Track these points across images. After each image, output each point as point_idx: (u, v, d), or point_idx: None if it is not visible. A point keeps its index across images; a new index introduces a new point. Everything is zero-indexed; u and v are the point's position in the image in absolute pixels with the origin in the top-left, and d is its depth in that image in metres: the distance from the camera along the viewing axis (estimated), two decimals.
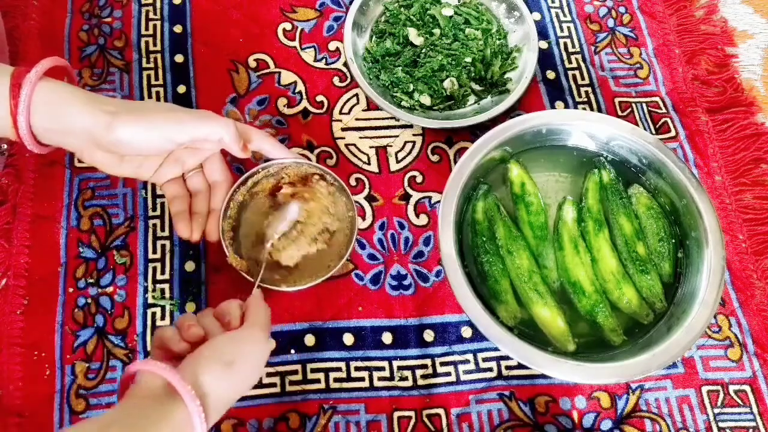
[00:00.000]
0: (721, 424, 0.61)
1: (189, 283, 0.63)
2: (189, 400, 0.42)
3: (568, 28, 0.80)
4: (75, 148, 0.52)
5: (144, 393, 0.43)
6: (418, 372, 0.62)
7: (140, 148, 0.52)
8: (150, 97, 0.71)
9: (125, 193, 0.66)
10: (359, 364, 0.62)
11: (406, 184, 0.69)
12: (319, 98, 0.73)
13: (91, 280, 0.63)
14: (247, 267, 0.59)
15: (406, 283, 0.65)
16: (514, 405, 0.61)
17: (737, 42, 0.81)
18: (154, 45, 0.74)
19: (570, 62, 0.77)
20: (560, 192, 0.66)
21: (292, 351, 0.61)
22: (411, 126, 0.72)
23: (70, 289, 0.62)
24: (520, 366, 0.62)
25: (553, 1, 0.81)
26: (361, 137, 0.71)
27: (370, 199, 0.68)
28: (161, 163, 0.57)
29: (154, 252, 0.64)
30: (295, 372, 0.61)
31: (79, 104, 0.50)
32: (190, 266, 0.64)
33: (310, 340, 0.62)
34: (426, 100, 0.71)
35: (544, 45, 0.78)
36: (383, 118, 0.72)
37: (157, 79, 0.72)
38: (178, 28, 0.75)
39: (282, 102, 0.72)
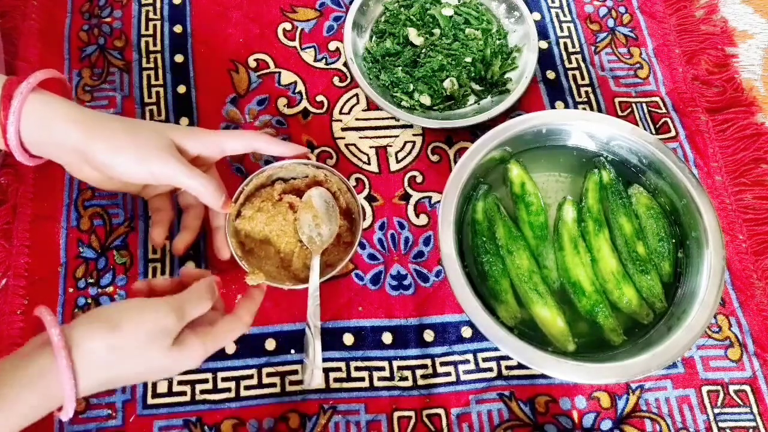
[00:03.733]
0: (721, 424, 0.61)
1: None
2: (56, 342, 0.41)
3: (568, 28, 0.80)
4: (64, 162, 0.52)
5: (25, 348, 0.42)
6: (418, 372, 0.62)
7: (122, 177, 0.52)
8: (150, 97, 0.71)
9: (125, 193, 0.66)
10: (359, 364, 0.62)
11: (406, 184, 0.69)
12: (319, 98, 0.73)
13: (91, 280, 0.63)
14: (270, 278, 0.57)
15: (406, 283, 0.65)
16: (514, 405, 0.61)
17: (737, 42, 0.81)
18: (154, 45, 0.74)
19: (570, 62, 0.77)
20: (560, 192, 0.66)
21: (292, 351, 0.61)
22: (411, 126, 0.72)
23: (70, 289, 0.62)
24: (520, 366, 0.62)
25: (553, 1, 0.81)
26: (361, 137, 0.71)
27: (370, 199, 0.68)
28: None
29: (154, 252, 0.64)
30: (295, 372, 0.61)
31: (70, 121, 0.49)
32: (190, 266, 0.64)
33: None
34: (426, 100, 0.71)
35: (544, 45, 0.78)
36: (383, 118, 0.72)
37: (157, 79, 0.72)
38: (178, 28, 0.75)
39: (282, 102, 0.72)
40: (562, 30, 0.80)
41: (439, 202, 0.65)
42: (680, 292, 0.61)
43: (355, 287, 0.64)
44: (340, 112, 0.72)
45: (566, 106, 0.74)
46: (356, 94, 0.74)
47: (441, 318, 0.64)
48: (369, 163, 0.70)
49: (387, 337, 0.63)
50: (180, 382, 0.59)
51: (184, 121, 0.70)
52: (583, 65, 0.77)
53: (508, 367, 0.62)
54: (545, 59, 0.77)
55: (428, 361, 0.62)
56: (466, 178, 0.61)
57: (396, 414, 0.60)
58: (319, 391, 0.60)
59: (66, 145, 0.50)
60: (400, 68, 0.73)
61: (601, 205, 0.64)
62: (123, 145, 0.51)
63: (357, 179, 0.69)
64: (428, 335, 0.63)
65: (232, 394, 0.60)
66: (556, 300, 0.60)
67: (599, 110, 0.75)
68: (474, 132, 0.72)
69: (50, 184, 0.66)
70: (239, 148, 0.58)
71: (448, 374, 0.62)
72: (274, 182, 0.63)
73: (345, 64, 0.75)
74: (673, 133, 0.74)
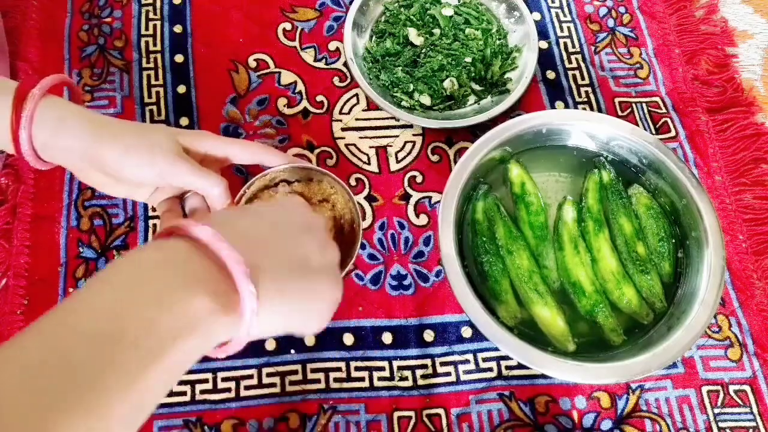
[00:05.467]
0: (721, 424, 0.61)
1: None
2: (231, 259, 0.34)
3: (568, 28, 0.80)
4: (73, 166, 0.52)
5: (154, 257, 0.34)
6: (418, 372, 0.62)
7: (132, 179, 0.52)
8: (150, 97, 0.71)
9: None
10: (359, 364, 0.62)
11: (406, 184, 0.69)
12: (319, 98, 0.73)
13: None
14: None
15: (406, 283, 0.65)
16: (514, 405, 0.61)
17: (737, 42, 0.81)
18: (154, 45, 0.74)
19: (570, 62, 0.77)
20: (560, 192, 0.66)
21: (292, 351, 0.61)
22: (411, 126, 0.72)
23: (70, 289, 0.62)
24: (520, 366, 0.62)
25: (553, 1, 0.81)
26: (361, 137, 0.71)
27: (370, 199, 0.68)
28: (156, 188, 0.56)
29: None
30: (295, 372, 0.61)
31: (80, 125, 0.49)
32: None
33: (310, 340, 0.62)
34: (426, 100, 0.71)
35: (544, 45, 0.78)
36: (383, 118, 0.72)
37: (157, 79, 0.72)
38: (178, 28, 0.75)
39: (282, 102, 0.72)
40: (562, 30, 0.80)
41: (439, 202, 0.65)
42: (680, 292, 0.61)
43: (355, 287, 0.64)
44: (340, 112, 0.72)
45: (566, 106, 0.74)
46: (356, 94, 0.74)
47: (441, 318, 0.64)
48: (369, 163, 0.70)
49: (387, 337, 0.63)
50: (180, 382, 0.59)
51: (184, 121, 0.70)
52: (583, 65, 0.77)
53: (508, 367, 0.62)
54: (545, 59, 0.77)
55: (428, 361, 0.62)
56: (466, 178, 0.61)
57: (396, 414, 0.60)
58: (319, 391, 0.60)
59: (75, 149, 0.50)
60: (400, 68, 0.73)
61: (601, 205, 0.64)
62: (132, 146, 0.51)
63: (357, 179, 0.69)
64: (428, 335, 0.63)
65: (232, 394, 0.60)
66: (556, 300, 0.60)
67: (599, 110, 0.75)
68: (474, 132, 0.72)
69: (50, 184, 0.66)
70: (246, 159, 0.58)
71: (448, 374, 0.62)
72: (278, 184, 0.63)
73: (345, 64, 0.75)
74: (673, 133, 0.74)
